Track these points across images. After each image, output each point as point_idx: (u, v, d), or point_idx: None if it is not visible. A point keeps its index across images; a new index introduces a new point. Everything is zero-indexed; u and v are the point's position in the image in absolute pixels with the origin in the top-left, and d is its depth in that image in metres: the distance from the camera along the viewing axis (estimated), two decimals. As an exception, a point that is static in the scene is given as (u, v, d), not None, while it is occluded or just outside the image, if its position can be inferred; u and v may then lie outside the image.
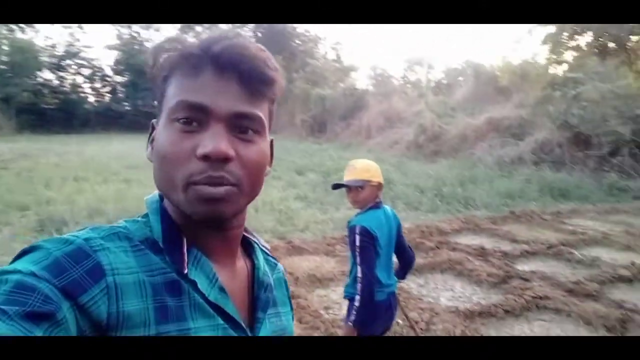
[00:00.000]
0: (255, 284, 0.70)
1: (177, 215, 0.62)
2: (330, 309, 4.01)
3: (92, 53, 38.94)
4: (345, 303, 3.91)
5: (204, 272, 0.60)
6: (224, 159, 0.56)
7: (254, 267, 0.71)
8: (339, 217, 7.13)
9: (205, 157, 0.55)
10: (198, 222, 0.59)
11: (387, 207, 2.40)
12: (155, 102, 0.63)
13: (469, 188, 9.58)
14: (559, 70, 17.04)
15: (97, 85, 34.78)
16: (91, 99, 34.68)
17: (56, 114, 30.37)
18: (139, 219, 0.62)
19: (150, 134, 0.65)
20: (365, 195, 2.26)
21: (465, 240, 6.25)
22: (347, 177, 2.27)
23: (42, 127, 27.81)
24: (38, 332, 0.43)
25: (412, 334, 3.48)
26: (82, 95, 34.12)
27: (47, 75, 32.24)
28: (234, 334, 0.60)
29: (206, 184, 0.55)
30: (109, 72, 34.65)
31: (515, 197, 9.16)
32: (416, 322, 3.62)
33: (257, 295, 0.69)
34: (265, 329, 0.67)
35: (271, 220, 6.77)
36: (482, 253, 5.52)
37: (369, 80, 31.23)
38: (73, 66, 33.26)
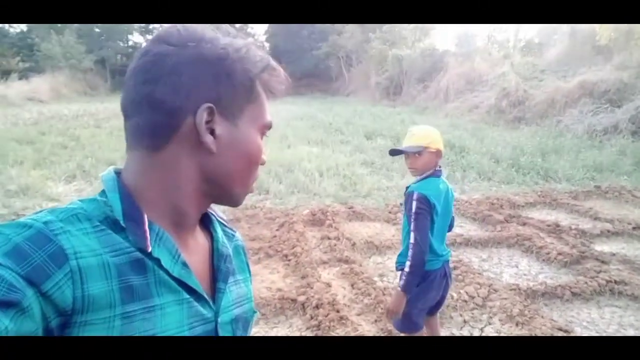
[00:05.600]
0: (214, 255, 0.72)
1: (139, 192, 0.62)
2: (384, 276, 4.01)
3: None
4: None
5: (167, 248, 0.61)
6: None
7: (212, 239, 0.73)
8: (404, 184, 6.97)
9: (263, 163, 0.71)
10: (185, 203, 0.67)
11: (445, 180, 2.32)
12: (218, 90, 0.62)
13: (551, 159, 8.88)
14: (675, 26, 14.77)
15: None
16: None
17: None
18: (97, 197, 0.61)
19: (206, 119, 0.61)
20: (423, 162, 2.21)
21: (539, 215, 5.86)
22: (406, 143, 2.22)
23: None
24: (5, 320, 0.44)
25: (466, 308, 3.40)
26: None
27: (137, 38, 34.32)
28: (198, 306, 0.62)
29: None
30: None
31: (605, 171, 8.32)
32: (472, 297, 3.52)
33: (217, 266, 0.71)
34: (227, 298, 0.69)
35: (334, 185, 6.82)
36: (555, 230, 5.15)
37: (450, 39, 29.54)
38: (160, 29, 35.07)
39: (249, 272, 0.82)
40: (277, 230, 4.95)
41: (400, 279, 2.11)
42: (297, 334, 3.05)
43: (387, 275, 4.03)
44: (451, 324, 3.22)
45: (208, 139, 0.61)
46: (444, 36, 52.42)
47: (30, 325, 0.46)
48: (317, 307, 3.25)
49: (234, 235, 0.81)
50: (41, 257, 0.49)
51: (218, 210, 0.81)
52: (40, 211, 0.56)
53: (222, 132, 0.63)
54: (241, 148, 0.65)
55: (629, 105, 11.32)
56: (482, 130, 12.61)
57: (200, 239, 0.71)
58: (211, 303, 0.66)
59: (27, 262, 0.48)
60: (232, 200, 0.69)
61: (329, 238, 4.67)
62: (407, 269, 2.07)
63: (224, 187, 0.66)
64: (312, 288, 3.51)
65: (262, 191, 6.52)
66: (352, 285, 3.70)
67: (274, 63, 0.68)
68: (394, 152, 2.31)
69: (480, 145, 10.08)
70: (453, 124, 13.80)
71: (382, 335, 2.99)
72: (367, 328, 3.07)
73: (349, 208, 5.77)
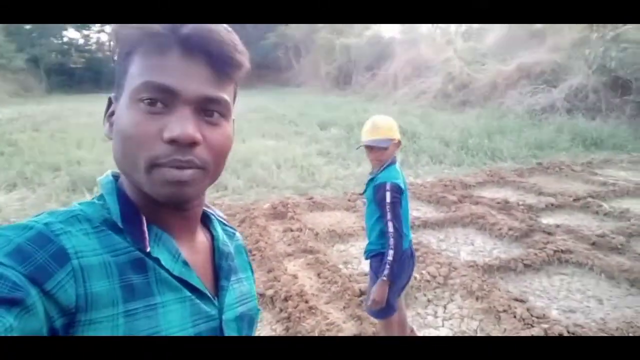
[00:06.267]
0: (216, 254, 0.72)
1: (135, 195, 0.62)
2: (349, 263, 4.09)
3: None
4: (362, 258, 3.98)
5: (166, 248, 0.62)
6: (192, 143, 0.56)
7: (213, 239, 0.74)
8: (360, 172, 7.12)
9: (172, 141, 0.55)
10: (159, 202, 0.60)
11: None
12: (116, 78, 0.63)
13: (496, 139, 9.33)
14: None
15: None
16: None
17: (84, 74, 30.88)
18: (95, 200, 0.62)
19: (107, 110, 0.65)
20: (389, 154, 2.28)
21: (489, 194, 6.16)
22: (372, 137, 2.25)
23: (71, 87, 28.43)
24: (9, 318, 0.44)
25: (429, 288, 3.54)
26: (108, 53, 34.39)
27: (72, 34, 32.48)
28: (201, 304, 0.63)
29: (172, 167, 0.56)
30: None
31: (545, 148, 8.88)
32: (434, 277, 3.67)
33: (219, 264, 0.71)
34: (230, 296, 0.70)
35: (293, 177, 6.83)
36: (505, 206, 5.44)
37: (395, 27, 30.03)
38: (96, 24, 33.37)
39: (251, 270, 0.83)
40: (238, 226, 4.91)
41: (384, 268, 2.14)
42: (267, 328, 3.06)
43: (352, 262, 4.11)
44: (416, 304, 3.35)
45: (105, 127, 0.64)
46: (388, 24, 53.09)
47: (34, 324, 0.46)
48: (285, 299, 3.27)
49: (234, 234, 0.81)
50: (43, 257, 0.50)
51: (217, 210, 0.81)
52: (40, 214, 0.57)
53: (114, 117, 0.62)
54: (116, 126, 0.59)
55: (563, 85, 12.06)
56: (430, 115, 13.01)
57: (200, 238, 0.71)
58: (215, 301, 0.66)
59: (29, 262, 0.49)
60: (150, 193, 0.58)
61: (291, 230, 4.70)
62: (390, 258, 2.11)
63: (127, 177, 0.61)
64: (279, 281, 3.53)
65: (220, 187, 6.43)
66: (318, 275, 3.75)
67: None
68: (362, 144, 2.34)
69: (430, 129, 10.41)
70: (403, 110, 14.14)
71: (352, 320, 3.06)
72: (336, 315, 3.14)
73: (309, 199, 5.81)
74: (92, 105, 18.39)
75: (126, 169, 0.59)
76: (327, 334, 2.85)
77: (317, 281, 3.67)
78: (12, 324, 0.44)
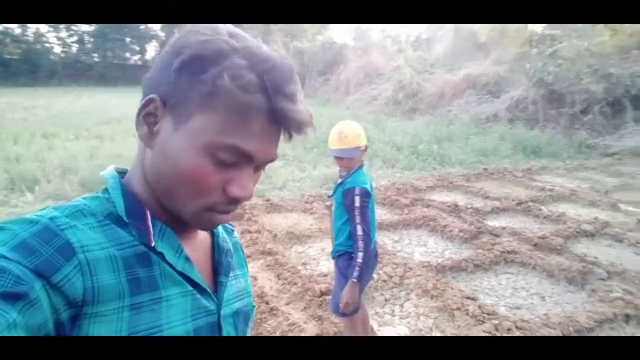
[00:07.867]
0: (215, 250, 0.73)
1: (144, 191, 0.62)
2: (307, 264, 4.12)
3: (55, -1, 36.57)
4: (324, 259, 4.03)
5: (170, 243, 0.62)
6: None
7: (213, 235, 0.75)
8: (316, 174, 7.18)
9: (237, 198, 0.58)
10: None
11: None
12: (162, 85, 0.57)
13: (445, 145, 9.72)
14: (538, 26, 16.95)
15: (63, 34, 32.99)
16: (57, 49, 33.01)
17: (20, 65, 28.87)
18: (99, 194, 0.62)
19: (144, 110, 0.58)
20: (356, 161, 2.32)
21: (440, 197, 6.42)
22: (339, 146, 2.27)
23: (6, 79, 26.48)
24: (13, 312, 0.44)
25: (386, 287, 3.64)
26: (47, 45, 32.44)
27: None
28: (202, 299, 0.64)
29: (223, 212, 0.60)
30: (74, 20, 32.83)
31: (489, 155, 9.37)
32: (390, 277, 3.77)
33: (218, 260, 0.72)
34: (228, 292, 0.71)
35: (249, 178, 6.78)
36: (455, 209, 5.69)
37: (347, 33, 30.55)
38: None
39: (247, 267, 0.84)
40: (194, 227, 4.81)
41: (354, 270, 2.18)
42: (228, 329, 3.03)
43: (310, 263, 4.15)
44: (374, 303, 3.43)
45: (141, 130, 0.58)
46: (341, 29, 53.79)
47: (38, 318, 0.46)
48: (246, 300, 3.25)
49: (233, 231, 0.83)
50: (49, 252, 0.50)
51: None
52: (44, 208, 0.56)
53: (161, 129, 0.57)
54: (169, 155, 0.57)
55: (505, 96, 12.80)
56: (382, 120, 13.33)
57: (201, 234, 0.72)
58: (214, 297, 0.67)
59: (35, 256, 0.48)
60: (183, 216, 0.60)
61: (249, 232, 4.66)
62: (359, 260, 2.16)
63: (162, 195, 0.60)
64: (238, 282, 3.49)
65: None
66: (277, 276, 3.75)
67: (261, 79, 0.54)
68: (330, 154, 2.36)
69: (383, 134, 10.67)
70: (355, 115, 14.37)
71: (314, 321, 3.09)
72: (297, 316, 3.15)
73: (266, 200, 5.79)
74: (28, 100, 17.25)
75: (172, 199, 0.59)
76: (289, 334, 2.86)
77: (277, 282, 3.67)
78: (15, 318, 0.44)
